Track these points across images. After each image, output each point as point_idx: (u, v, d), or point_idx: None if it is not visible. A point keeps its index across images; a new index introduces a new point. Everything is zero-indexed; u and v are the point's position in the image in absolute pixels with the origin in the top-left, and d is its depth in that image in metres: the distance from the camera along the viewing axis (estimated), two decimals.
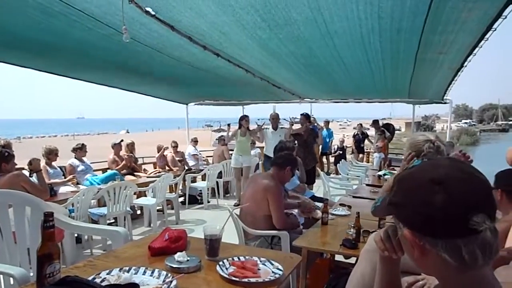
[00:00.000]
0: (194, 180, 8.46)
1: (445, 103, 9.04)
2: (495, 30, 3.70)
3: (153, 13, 3.54)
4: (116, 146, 7.35)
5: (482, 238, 0.81)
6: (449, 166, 0.89)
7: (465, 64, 5.41)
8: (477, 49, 4.50)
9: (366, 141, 12.84)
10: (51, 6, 3.24)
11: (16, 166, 4.43)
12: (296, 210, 4.09)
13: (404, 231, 0.92)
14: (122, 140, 7.61)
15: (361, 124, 13.52)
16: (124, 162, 7.23)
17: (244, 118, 7.95)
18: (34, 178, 4.46)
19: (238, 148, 8.01)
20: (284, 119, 8.69)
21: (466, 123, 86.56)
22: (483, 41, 4.17)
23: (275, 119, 8.16)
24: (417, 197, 0.88)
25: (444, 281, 0.91)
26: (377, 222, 3.09)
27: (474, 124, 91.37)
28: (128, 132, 69.27)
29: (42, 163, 5.31)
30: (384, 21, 3.62)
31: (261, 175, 3.69)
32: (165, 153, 8.37)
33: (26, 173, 4.47)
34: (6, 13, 3.49)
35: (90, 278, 1.62)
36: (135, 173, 7.43)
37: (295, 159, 3.87)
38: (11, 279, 2.15)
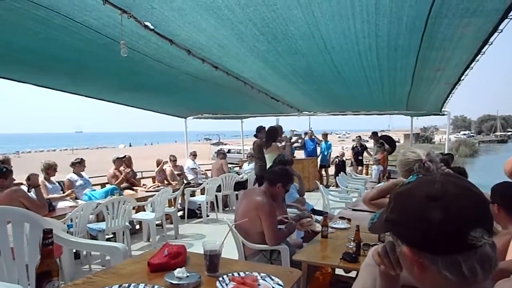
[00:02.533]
0: (193, 194, 8.43)
1: (443, 114, 9.08)
2: (491, 44, 3.74)
3: (152, 27, 3.57)
4: (118, 161, 7.34)
5: (481, 253, 0.81)
6: (445, 181, 0.88)
7: (462, 78, 5.44)
8: (473, 63, 4.54)
9: (365, 153, 12.84)
10: (51, 18, 3.27)
11: (15, 182, 4.42)
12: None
13: (402, 248, 0.91)
14: (125, 156, 7.60)
15: (359, 137, 13.53)
16: (122, 175, 7.23)
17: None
18: (32, 194, 4.44)
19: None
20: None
21: (465, 134, 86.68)
22: (479, 55, 4.21)
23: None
24: (414, 214, 0.88)
25: None
26: (377, 236, 3.08)
27: (473, 135, 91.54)
28: (130, 146, 69.43)
29: (41, 178, 5.30)
30: (381, 39, 3.66)
31: (253, 190, 3.63)
32: (164, 167, 8.37)
33: (25, 188, 4.46)
34: (4, 25, 3.51)
35: None
36: (134, 188, 7.41)
37: (288, 174, 3.79)
38: None
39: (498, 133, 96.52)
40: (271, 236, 3.39)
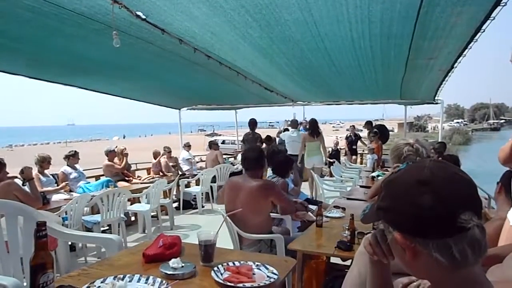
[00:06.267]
0: (188, 185, 8.44)
1: (437, 103, 9.10)
2: (483, 31, 3.74)
3: (143, 17, 3.54)
4: (111, 153, 7.32)
5: (470, 235, 0.82)
6: (434, 166, 0.91)
7: (455, 66, 5.45)
8: (466, 50, 4.54)
9: (359, 143, 12.85)
10: (41, 6, 3.23)
11: (8, 175, 4.40)
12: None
13: (394, 234, 0.93)
14: (116, 147, 7.59)
15: (353, 126, 13.53)
16: (121, 165, 7.26)
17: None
18: (26, 187, 4.42)
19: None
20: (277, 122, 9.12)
21: (458, 122, 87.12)
22: (472, 43, 4.21)
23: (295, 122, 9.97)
24: (405, 199, 0.89)
25: (436, 283, 0.92)
26: (371, 224, 3.10)
27: (466, 124, 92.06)
28: (124, 138, 69.36)
29: (35, 171, 5.28)
30: (374, 25, 3.64)
31: (244, 178, 3.60)
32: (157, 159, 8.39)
33: (19, 181, 4.44)
34: None
35: (84, 287, 1.62)
36: (128, 179, 7.40)
37: (261, 154, 3.71)
38: None
39: (491, 121, 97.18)
40: (290, 208, 3.62)
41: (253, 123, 8.99)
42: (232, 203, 3.50)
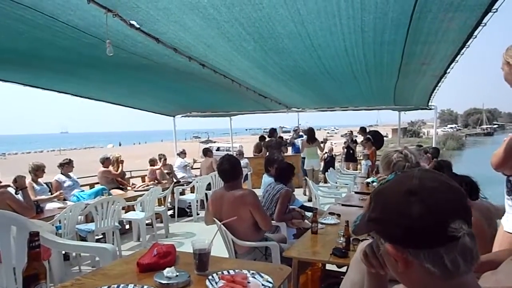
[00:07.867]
0: (183, 193, 8.41)
1: (430, 109, 9.15)
2: (475, 37, 3.77)
3: (137, 26, 3.54)
4: (106, 161, 7.29)
5: (461, 244, 0.82)
6: (422, 176, 0.90)
7: (448, 71, 5.49)
8: (459, 56, 4.58)
9: (356, 148, 12.78)
10: (35, 19, 3.23)
11: (1, 184, 4.36)
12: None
13: (386, 246, 0.92)
14: (111, 155, 7.58)
15: (351, 132, 13.47)
16: (117, 172, 7.27)
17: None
18: (19, 196, 4.38)
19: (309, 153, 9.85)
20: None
21: (451, 128, 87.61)
22: (464, 49, 4.25)
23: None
24: (395, 209, 0.88)
25: None
26: None
27: (460, 129, 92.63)
28: (120, 145, 69.15)
29: (28, 179, 5.24)
30: (367, 35, 3.67)
31: (223, 190, 3.61)
32: (154, 166, 8.37)
33: (12, 190, 4.40)
34: None
35: None
36: (123, 187, 7.37)
37: (237, 165, 3.71)
38: None
39: (484, 126, 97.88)
40: (266, 221, 3.49)
41: (272, 132, 10.87)
42: (218, 215, 3.49)
